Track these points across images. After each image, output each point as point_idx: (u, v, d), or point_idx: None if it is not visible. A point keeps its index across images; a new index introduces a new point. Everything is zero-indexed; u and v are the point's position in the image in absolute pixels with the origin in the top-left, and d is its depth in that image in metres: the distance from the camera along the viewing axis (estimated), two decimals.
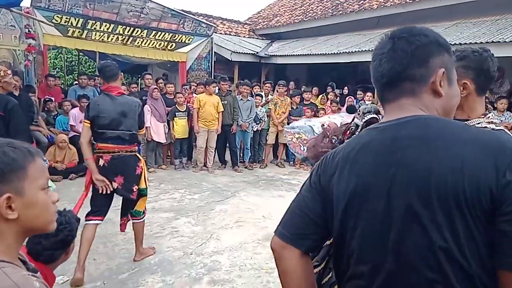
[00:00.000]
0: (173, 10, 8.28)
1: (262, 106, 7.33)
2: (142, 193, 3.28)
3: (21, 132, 3.29)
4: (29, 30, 6.44)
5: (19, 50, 6.44)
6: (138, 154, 3.30)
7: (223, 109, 6.60)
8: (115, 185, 3.07)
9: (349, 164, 0.91)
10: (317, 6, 11.86)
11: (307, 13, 11.79)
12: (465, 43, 6.15)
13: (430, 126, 0.85)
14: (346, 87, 8.67)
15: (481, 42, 6.03)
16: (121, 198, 3.25)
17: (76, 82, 7.70)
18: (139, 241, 3.37)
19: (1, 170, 0.81)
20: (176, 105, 6.66)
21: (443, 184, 0.76)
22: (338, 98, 8.03)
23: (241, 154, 7.36)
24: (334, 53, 8.47)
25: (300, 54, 9.56)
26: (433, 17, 7.88)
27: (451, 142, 0.80)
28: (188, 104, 6.92)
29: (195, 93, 7.21)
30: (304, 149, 1.83)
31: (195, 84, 7.54)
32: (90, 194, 3.17)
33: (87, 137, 3.06)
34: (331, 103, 7.54)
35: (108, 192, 3.06)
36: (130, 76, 12.42)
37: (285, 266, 0.98)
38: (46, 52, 7.45)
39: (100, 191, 3.04)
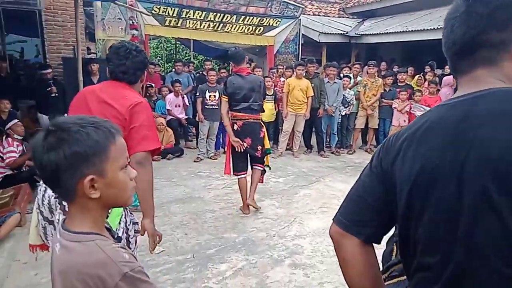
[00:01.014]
0: None
1: (350, 89, 7.00)
2: (267, 152, 4.14)
3: None
4: (132, 22, 7.09)
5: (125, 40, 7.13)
6: (261, 121, 4.09)
7: (313, 94, 6.45)
8: (245, 144, 3.89)
9: (415, 144, 0.81)
10: None
11: None
12: None
13: (511, 100, 0.72)
14: (447, 66, 7.81)
15: None
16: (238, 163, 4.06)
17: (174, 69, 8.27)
18: (253, 187, 4.09)
19: (85, 153, 0.84)
20: None
21: None
22: (437, 78, 7.28)
23: (328, 139, 7.19)
24: (433, 28, 7.66)
25: (395, 32, 8.85)
26: None
27: None
28: (275, 88, 6.95)
29: (283, 77, 7.20)
30: None
31: (282, 68, 7.51)
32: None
33: (225, 109, 3.95)
34: (428, 84, 6.85)
35: (242, 150, 3.91)
36: (221, 62, 12.94)
37: (345, 255, 0.94)
38: (147, 42, 8.10)
39: (237, 150, 3.91)
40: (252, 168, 4.14)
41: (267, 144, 4.13)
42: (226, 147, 4.14)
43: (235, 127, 3.92)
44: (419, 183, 0.79)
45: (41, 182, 1.83)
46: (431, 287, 0.80)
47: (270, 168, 4.45)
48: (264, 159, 4.16)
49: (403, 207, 0.83)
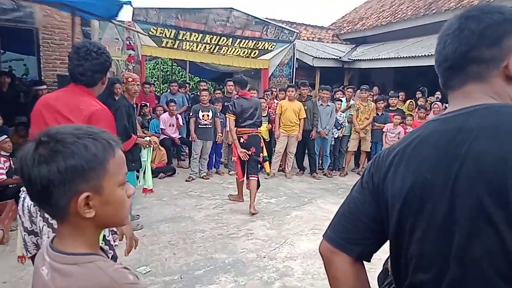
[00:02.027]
0: (257, 18, 8.50)
1: (342, 112, 7.08)
2: (265, 159, 4.99)
3: (118, 126, 3.93)
4: (129, 42, 7.18)
5: (121, 60, 7.20)
6: (260, 135, 4.94)
7: (305, 116, 6.52)
8: (250, 153, 4.70)
9: (406, 159, 0.81)
10: (407, 7, 11.17)
11: (396, 14, 11.17)
12: None
13: (503, 114, 0.72)
14: (438, 92, 7.96)
15: None
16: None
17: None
18: (253, 196, 4.69)
19: (82, 167, 0.75)
20: None
21: None
22: (428, 104, 7.40)
23: (320, 161, 7.20)
24: (425, 55, 7.85)
25: (387, 58, 9.06)
26: None
27: None
28: (269, 110, 7.01)
29: (277, 99, 7.27)
30: None
31: (276, 90, 7.61)
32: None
33: (233, 125, 4.69)
34: (418, 109, 6.97)
35: (247, 159, 4.70)
36: (216, 84, 13.07)
37: (335, 272, 0.91)
38: (144, 62, 8.19)
39: (243, 159, 4.71)
40: (248, 178, 4.77)
41: (265, 152, 4.95)
42: (235, 158, 4.91)
43: (242, 140, 4.70)
44: (410, 198, 0.78)
45: (23, 190, 1.76)
46: None
47: (268, 174, 5.42)
48: (262, 168, 5.02)
49: (394, 224, 0.82)
